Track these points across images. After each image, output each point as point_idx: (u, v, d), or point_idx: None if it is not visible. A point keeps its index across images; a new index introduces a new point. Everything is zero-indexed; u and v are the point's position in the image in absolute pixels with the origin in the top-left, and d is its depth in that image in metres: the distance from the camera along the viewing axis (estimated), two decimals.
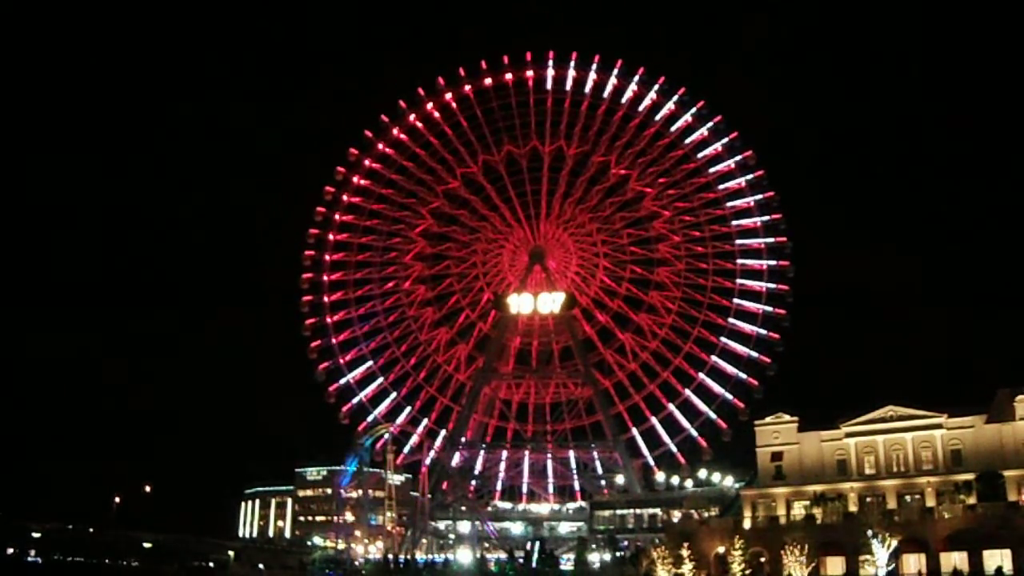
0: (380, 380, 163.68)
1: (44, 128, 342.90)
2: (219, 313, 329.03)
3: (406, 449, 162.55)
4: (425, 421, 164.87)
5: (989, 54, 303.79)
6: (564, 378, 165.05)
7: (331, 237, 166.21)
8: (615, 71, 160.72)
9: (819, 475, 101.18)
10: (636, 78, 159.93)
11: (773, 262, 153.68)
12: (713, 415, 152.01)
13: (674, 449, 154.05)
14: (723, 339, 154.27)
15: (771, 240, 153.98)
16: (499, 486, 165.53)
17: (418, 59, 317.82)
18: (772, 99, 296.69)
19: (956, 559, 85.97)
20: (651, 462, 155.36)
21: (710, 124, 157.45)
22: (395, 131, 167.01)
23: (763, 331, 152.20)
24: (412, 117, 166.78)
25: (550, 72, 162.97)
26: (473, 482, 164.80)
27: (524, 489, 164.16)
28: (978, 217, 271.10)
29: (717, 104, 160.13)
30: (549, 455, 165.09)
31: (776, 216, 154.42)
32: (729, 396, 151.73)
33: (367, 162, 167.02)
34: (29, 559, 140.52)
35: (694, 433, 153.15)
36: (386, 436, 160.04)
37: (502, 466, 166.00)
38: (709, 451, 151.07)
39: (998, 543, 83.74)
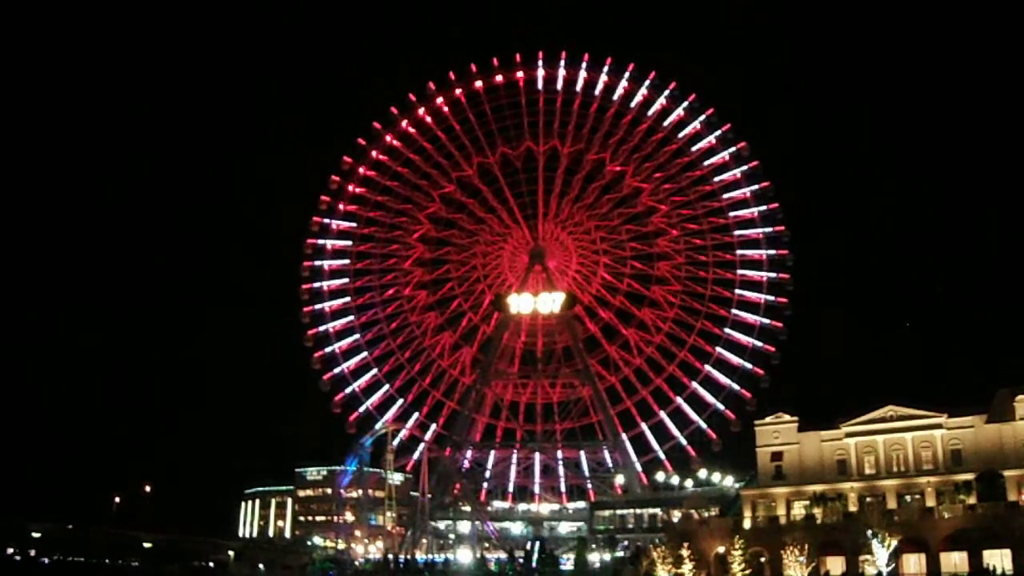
0: (386, 387, 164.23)
1: (42, 131, 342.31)
2: (219, 313, 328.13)
3: (415, 455, 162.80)
4: (433, 426, 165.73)
5: (990, 46, 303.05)
6: (569, 377, 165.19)
7: (329, 246, 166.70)
8: (605, 68, 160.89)
9: (819, 475, 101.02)
10: (627, 74, 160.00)
11: (772, 251, 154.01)
12: (721, 406, 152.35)
13: (684, 442, 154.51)
14: (727, 330, 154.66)
15: (769, 229, 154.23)
16: (511, 487, 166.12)
17: (409, 64, 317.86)
18: (766, 91, 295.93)
19: (956, 559, 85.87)
20: (661, 456, 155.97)
21: (702, 117, 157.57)
22: (388, 138, 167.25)
23: (766, 320, 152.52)
24: (405, 123, 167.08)
25: (540, 72, 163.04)
26: (484, 484, 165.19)
27: (536, 489, 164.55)
28: (979, 215, 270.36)
29: (709, 97, 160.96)
30: (560, 456, 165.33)
31: (773, 206, 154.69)
32: (736, 387, 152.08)
33: (361, 170, 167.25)
34: (17, 559, 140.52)
35: (703, 425, 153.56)
36: (396, 439, 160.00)
37: (513, 465, 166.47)
38: (718, 442, 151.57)
39: (998, 543, 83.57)
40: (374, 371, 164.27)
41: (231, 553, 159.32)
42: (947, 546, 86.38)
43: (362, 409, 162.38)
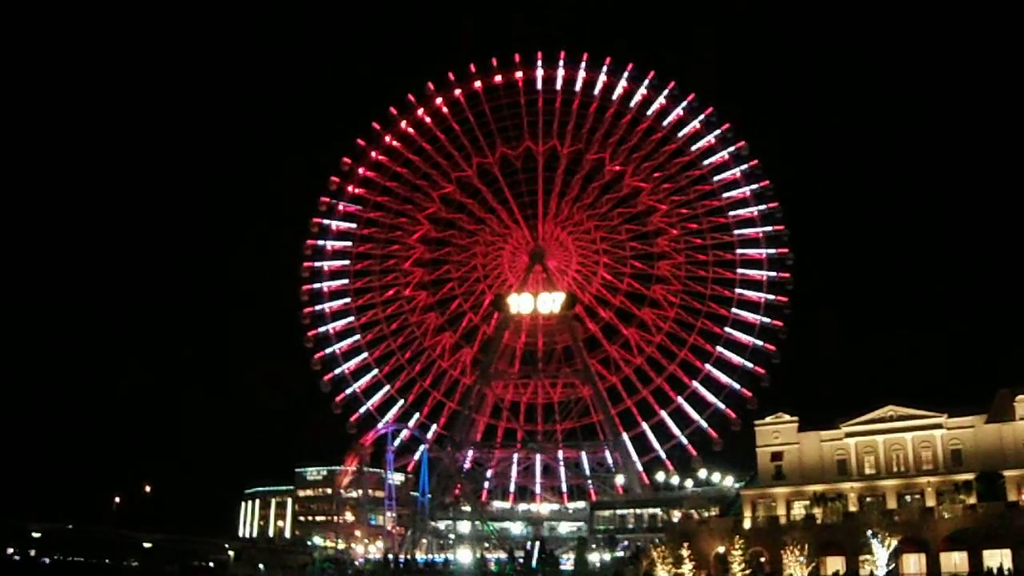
0: (386, 388, 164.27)
1: (43, 132, 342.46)
2: (219, 314, 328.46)
3: (416, 456, 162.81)
4: (434, 427, 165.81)
5: (991, 45, 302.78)
6: (569, 377, 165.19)
7: (329, 246, 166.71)
8: (604, 68, 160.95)
9: (819, 475, 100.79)
10: (626, 74, 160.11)
11: (772, 251, 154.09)
12: (722, 406, 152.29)
13: (684, 442, 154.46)
14: (727, 329, 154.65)
15: (769, 229, 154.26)
16: (511, 487, 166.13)
17: (409, 65, 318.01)
18: (765, 90, 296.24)
19: (956, 559, 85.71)
20: (662, 455, 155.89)
21: (701, 117, 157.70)
22: (388, 138, 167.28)
23: (766, 319, 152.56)
24: (404, 124, 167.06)
25: (539, 72, 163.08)
26: (485, 484, 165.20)
27: (537, 489, 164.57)
28: (978, 216, 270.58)
29: (709, 97, 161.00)
30: (560, 456, 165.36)
31: (773, 204, 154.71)
32: (736, 386, 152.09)
33: (361, 171, 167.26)
34: (17, 559, 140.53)
35: (704, 425, 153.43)
36: (397, 439, 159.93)
37: (513, 465, 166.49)
38: (719, 442, 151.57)
39: (998, 543, 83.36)
40: (374, 372, 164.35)
41: (231, 553, 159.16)
42: (947, 546, 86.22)
43: (362, 410, 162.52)
